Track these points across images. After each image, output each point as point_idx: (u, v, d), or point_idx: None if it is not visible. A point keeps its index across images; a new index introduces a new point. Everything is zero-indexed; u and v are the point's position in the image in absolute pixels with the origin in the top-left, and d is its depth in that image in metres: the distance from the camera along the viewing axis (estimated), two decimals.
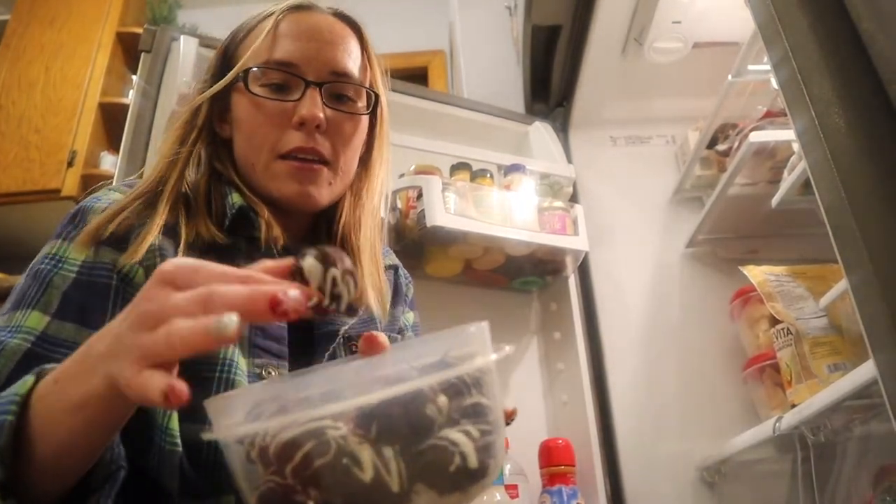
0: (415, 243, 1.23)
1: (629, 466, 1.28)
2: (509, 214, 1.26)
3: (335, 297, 0.39)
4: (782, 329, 1.06)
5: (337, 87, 0.71)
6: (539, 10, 1.44)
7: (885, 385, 0.60)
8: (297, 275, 0.39)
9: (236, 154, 0.71)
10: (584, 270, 1.46)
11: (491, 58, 1.93)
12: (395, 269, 0.83)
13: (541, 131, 1.56)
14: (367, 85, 0.75)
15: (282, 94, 0.69)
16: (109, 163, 2.49)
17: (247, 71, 0.69)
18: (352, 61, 0.72)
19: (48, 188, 2.33)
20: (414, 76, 2.42)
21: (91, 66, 2.56)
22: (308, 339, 0.68)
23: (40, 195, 2.34)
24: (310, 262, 0.39)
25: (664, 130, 1.62)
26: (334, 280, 0.39)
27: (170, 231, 0.63)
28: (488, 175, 1.35)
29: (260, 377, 0.61)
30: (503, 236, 1.24)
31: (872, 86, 0.64)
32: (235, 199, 0.68)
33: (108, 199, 0.66)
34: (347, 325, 0.70)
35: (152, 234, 0.61)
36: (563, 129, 1.63)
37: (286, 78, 0.69)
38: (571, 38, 1.47)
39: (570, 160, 1.53)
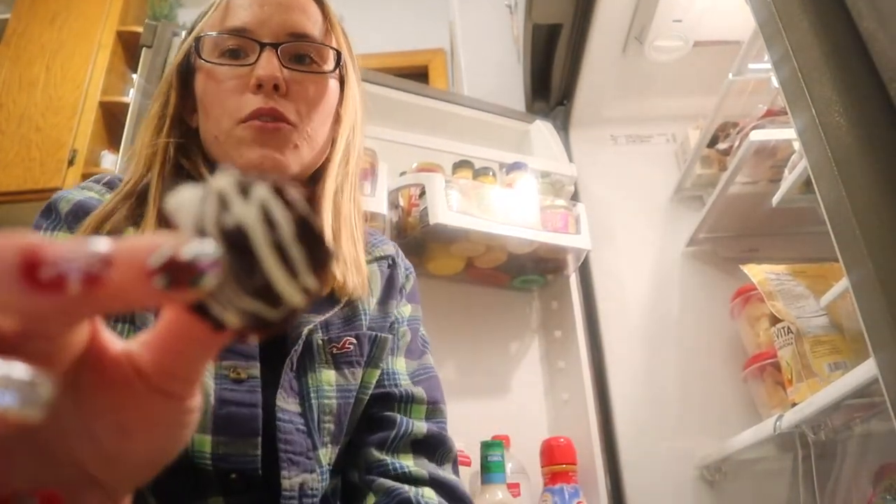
0: (416, 241, 1.24)
1: (630, 465, 1.29)
2: (511, 212, 1.26)
3: (243, 265, 0.19)
4: (783, 328, 1.06)
5: (295, 48, 0.67)
6: (539, 8, 1.43)
7: (886, 384, 0.60)
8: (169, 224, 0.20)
9: (203, 137, 0.68)
10: (584, 269, 1.46)
11: (491, 56, 1.93)
12: (391, 259, 0.77)
13: (542, 130, 1.56)
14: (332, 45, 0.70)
15: (237, 59, 0.66)
16: (110, 161, 2.49)
17: (199, 40, 0.67)
18: (311, 23, 0.69)
19: (49, 187, 2.34)
20: (414, 75, 2.42)
21: (91, 65, 2.56)
22: (283, 337, 0.63)
23: (41, 194, 2.34)
24: (186, 189, 0.20)
25: (665, 129, 1.62)
26: (239, 228, 0.19)
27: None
28: (490, 173, 1.36)
29: (228, 379, 0.58)
30: (505, 234, 1.24)
31: (873, 84, 0.64)
32: None
33: (81, 194, 0.64)
34: (314, 322, 0.63)
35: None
36: (563, 128, 1.63)
37: (241, 43, 0.66)
38: (572, 36, 1.47)
39: (570, 159, 1.53)
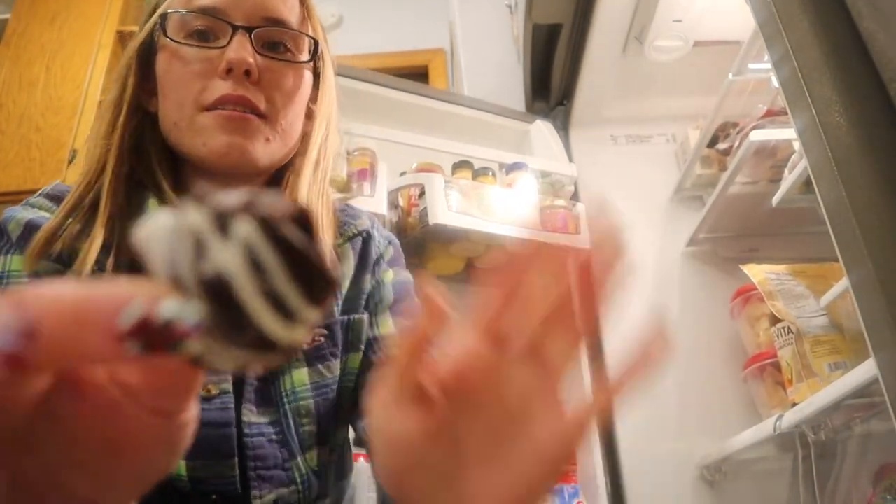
0: (416, 241, 1.24)
1: (630, 465, 1.29)
2: (511, 212, 1.26)
3: (229, 318, 0.16)
4: (783, 328, 1.06)
5: (270, 34, 0.62)
6: (539, 8, 1.43)
7: (886, 383, 0.60)
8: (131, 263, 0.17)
9: (161, 122, 0.62)
10: None
11: (491, 56, 1.93)
12: (366, 232, 0.70)
13: (542, 130, 1.57)
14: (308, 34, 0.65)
15: (206, 41, 0.60)
16: None
17: (165, 17, 0.61)
18: (287, 8, 0.63)
19: None
20: (414, 75, 2.42)
21: (91, 65, 2.56)
22: None
23: None
24: (156, 220, 0.17)
25: (665, 129, 1.62)
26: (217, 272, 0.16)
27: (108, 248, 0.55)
28: (490, 173, 1.36)
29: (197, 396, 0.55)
30: (505, 234, 1.24)
31: (873, 84, 0.64)
32: (152, 206, 0.59)
33: (30, 213, 0.59)
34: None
35: (91, 256, 0.54)
36: (563, 128, 1.63)
37: (211, 24, 0.60)
38: (572, 36, 1.47)
39: (570, 159, 1.53)
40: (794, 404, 1.00)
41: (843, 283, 0.82)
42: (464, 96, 1.68)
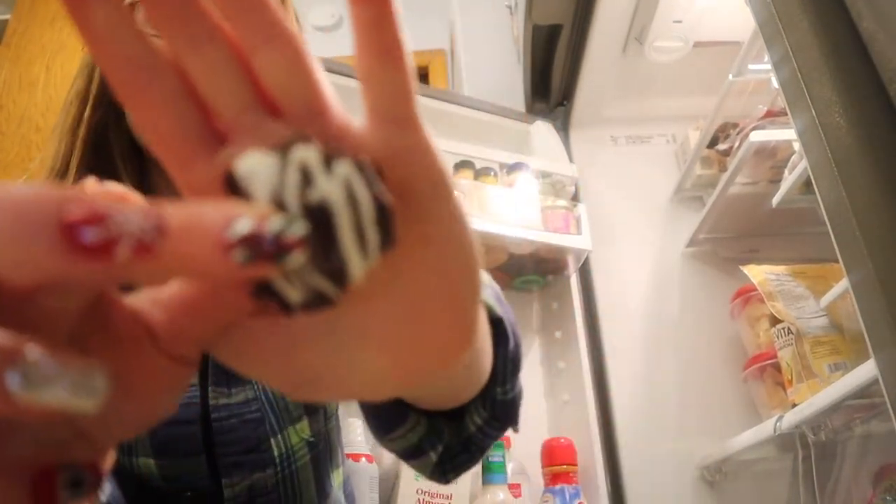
0: None
1: (630, 465, 1.29)
2: (512, 213, 1.26)
3: (322, 243, 0.18)
4: (783, 328, 1.06)
5: None
6: (539, 9, 1.43)
7: (886, 384, 0.60)
8: (232, 191, 0.19)
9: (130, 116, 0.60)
10: (584, 269, 1.46)
11: (491, 57, 1.93)
12: None
13: (542, 130, 1.57)
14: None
15: None
16: None
17: (133, 5, 0.59)
18: None
19: None
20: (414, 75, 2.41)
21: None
22: None
23: None
24: (254, 158, 0.18)
25: (665, 130, 1.62)
26: (321, 201, 0.18)
27: None
28: (491, 173, 1.36)
29: None
30: (507, 234, 1.24)
31: (873, 85, 0.64)
32: None
33: None
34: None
35: None
36: (563, 128, 1.63)
37: None
38: (572, 37, 1.47)
39: (571, 159, 1.53)
40: (795, 405, 1.00)
41: (843, 284, 0.82)
42: (464, 96, 1.68)
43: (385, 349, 0.23)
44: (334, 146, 0.18)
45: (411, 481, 1.11)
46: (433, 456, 0.43)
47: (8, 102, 2.47)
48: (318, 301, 0.19)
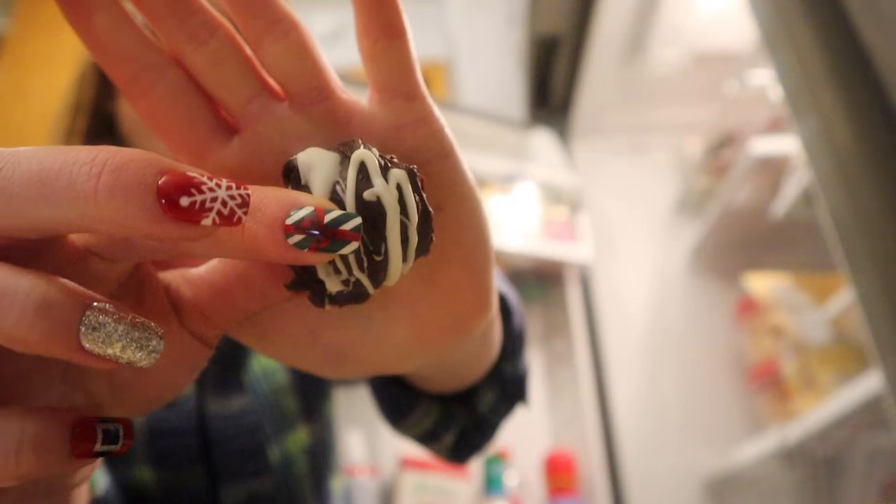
0: None
1: (632, 478, 1.27)
2: (513, 223, 1.25)
3: (370, 239, 0.19)
4: (786, 340, 1.06)
5: None
6: (539, 20, 1.44)
7: (893, 396, 0.60)
8: (291, 182, 0.20)
9: (123, 125, 0.59)
10: (585, 280, 1.45)
11: (491, 68, 1.93)
12: None
13: (542, 140, 1.57)
14: None
15: None
16: None
17: None
18: None
19: None
20: None
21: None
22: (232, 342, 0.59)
23: None
24: (315, 153, 0.19)
25: (665, 140, 1.62)
26: (375, 200, 0.18)
27: None
28: (492, 184, 1.35)
29: None
30: (507, 245, 1.23)
31: (875, 95, 0.64)
32: None
33: None
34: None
35: None
36: (564, 139, 1.63)
37: None
38: (571, 48, 1.47)
39: (571, 170, 1.53)
40: (799, 417, 0.99)
41: (847, 295, 0.81)
42: (464, 106, 1.68)
43: (408, 321, 0.24)
44: (389, 155, 0.20)
45: (411, 494, 1.10)
46: (448, 439, 0.43)
47: (3, 112, 2.47)
48: (352, 297, 0.20)
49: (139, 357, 0.16)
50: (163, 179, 0.15)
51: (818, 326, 1.04)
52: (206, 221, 0.16)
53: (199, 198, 0.16)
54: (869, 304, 0.62)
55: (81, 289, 0.16)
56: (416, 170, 0.19)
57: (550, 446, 1.30)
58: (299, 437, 0.58)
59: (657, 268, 1.47)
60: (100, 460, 0.22)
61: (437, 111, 0.22)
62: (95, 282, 0.19)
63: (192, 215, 0.16)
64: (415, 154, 0.22)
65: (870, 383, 0.75)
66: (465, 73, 1.96)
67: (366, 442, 1.15)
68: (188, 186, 0.15)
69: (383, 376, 0.39)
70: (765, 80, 1.13)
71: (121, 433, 0.18)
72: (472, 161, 1.38)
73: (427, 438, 0.43)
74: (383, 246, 0.19)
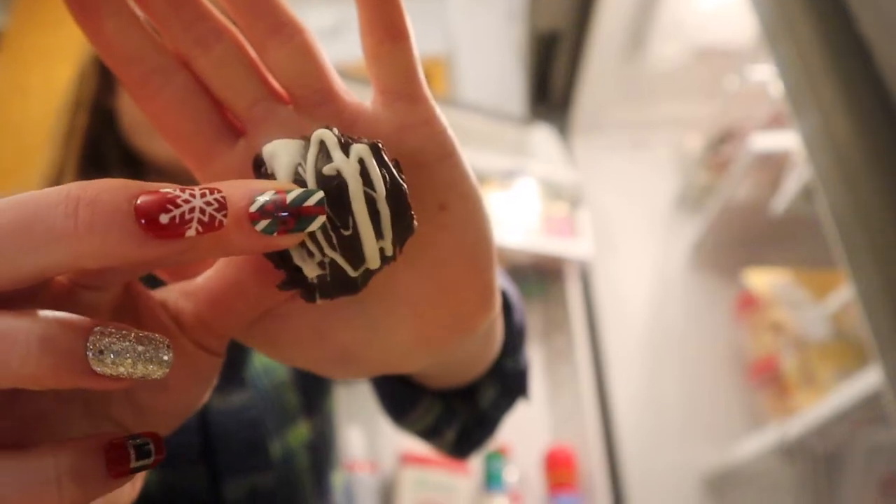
0: None
1: (632, 474, 1.28)
2: (512, 219, 1.25)
3: (336, 215, 0.18)
4: (786, 336, 1.06)
5: None
6: (539, 15, 1.43)
7: (893, 392, 0.60)
8: (258, 172, 0.20)
9: (124, 122, 0.58)
10: (585, 276, 1.45)
11: (491, 64, 1.93)
12: None
13: (543, 137, 1.56)
14: None
15: None
16: None
17: None
18: None
19: None
20: None
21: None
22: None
23: None
24: (278, 142, 0.19)
25: (666, 136, 1.62)
26: (338, 182, 0.18)
27: None
28: (492, 180, 1.35)
29: None
30: (506, 241, 1.23)
31: (877, 91, 0.64)
32: None
33: None
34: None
35: None
36: (564, 135, 1.63)
37: None
38: (572, 43, 1.47)
39: (571, 166, 1.53)
40: (799, 413, 0.99)
41: (847, 291, 0.81)
42: (464, 102, 1.67)
43: (412, 321, 0.24)
44: (352, 134, 0.20)
45: (411, 490, 1.10)
46: (450, 435, 0.43)
47: (4, 108, 2.47)
48: (338, 285, 0.20)
49: (152, 369, 0.17)
50: (139, 201, 0.16)
51: (818, 322, 1.04)
52: (190, 232, 0.16)
53: (177, 212, 0.16)
54: (869, 300, 0.62)
55: (79, 317, 0.16)
56: (380, 144, 0.19)
57: (550, 442, 1.30)
58: (300, 432, 0.58)
59: (657, 264, 1.47)
60: (143, 475, 0.22)
61: (439, 112, 0.23)
62: (90, 313, 0.19)
63: (175, 230, 0.16)
64: (417, 154, 0.22)
65: (869, 379, 0.75)
66: (466, 68, 1.96)
67: (366, 437, 1.15)
68: (164, 203, 0.16)
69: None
70: (765, 75, 1.13)
71: (152, 447, 0.18)
72: (472, 157, 1.37)
73: (429, 434, 0.43)
74: (351, 220, 0.18)
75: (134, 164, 0.60)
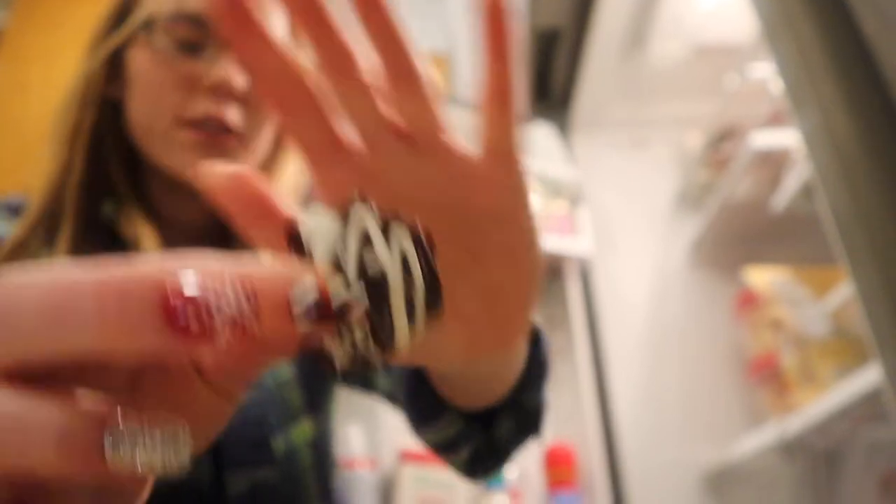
0: None
1: (632, 472, 1.28)
2: None
3: (374, 311, 0.18)
4: (786, 333, 1.06)
5: None
6: (539, 13, 1.43)
7: (893, 389, 0.60)
8: (293, 246, 0.19)
9: (131, 119, 0.58)
10: (585, 273, 1.45)
11: None
12: None
13: (542, 134, 1.56)
14: None
15: (192, 51, 0.56)
16: None
17: (151, 19, 0.56)
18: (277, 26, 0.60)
19: None
20: None
21: None
22: None
23: None
24: (317, 218, 0.19)
25: (666, 134, 1.62)
26: (369, 263, 0.18)
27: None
28: None
29: None
30: None
31: (877, 88, 0.64)
32: (107, 212, 0.56)
33: None
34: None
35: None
36: (564, 133, 1.63)
37: (201, 35, 0.56)
38: (572, 41, 1.47)
39: (571, 164, 1.53)
40: (799, 410, 0.99)
41: (847, 288, 0.81)
42: (464, 99, 1.67)
43: (463, 326, 0.29)
44: (392, 213, 0.19)
45: (411, 487, 1.10)
46: (465, 453, 0.45)
47: (4, 107, 2.47)
48: (363, 364, 0.19)
49: (168, 464, 0.16)
50: (168, 301, 0.15)
51: (818, 320, 1.04)
52: (220, 341, 0.16)
53: (209, 322, 0.16)
54: (868, 298, 0.62)
55: (97, 407, 0.16)
56: (422, 234, 0.19)
57: (550, 439, 1.30)
58: (303, 430, 0.58)
59: (657, 261, 1.47)
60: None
61: (523, 171, 0.29)
62: (113, 368, 0.19)
63: (205, 337, 0.16)
64: (495, 199, 0.28)
65: (869, 376, 0.75)
66: (466, 65, 1.96)
67: (366, 434, 1.15)
68: (197, 311, 0.16)
69: (417, 380, 0.44)
70: (765, 73, 1.13)
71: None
72: None
73: (447, 447, 0.45)
74: (387, 311, 0.18)
75: (137, 164, 0.60)
